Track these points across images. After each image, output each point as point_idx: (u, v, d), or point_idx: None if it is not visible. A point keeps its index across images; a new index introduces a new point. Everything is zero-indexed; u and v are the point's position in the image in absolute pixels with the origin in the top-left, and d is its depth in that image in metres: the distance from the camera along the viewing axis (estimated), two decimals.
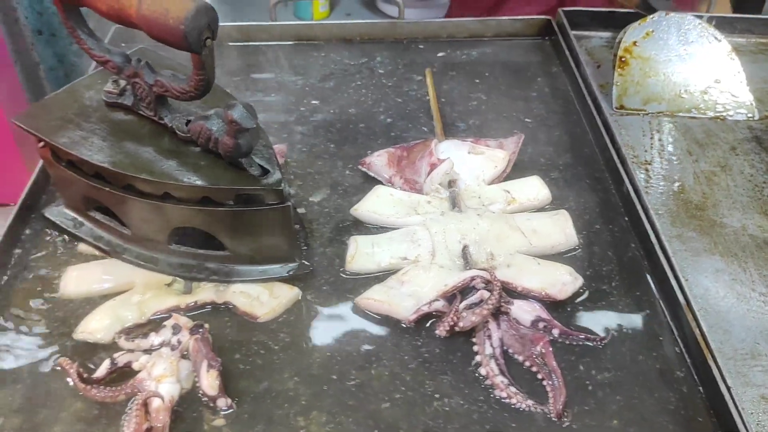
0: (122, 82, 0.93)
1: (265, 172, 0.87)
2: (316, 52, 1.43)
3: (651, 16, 1.31)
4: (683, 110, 1.28)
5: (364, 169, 1.13)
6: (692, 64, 1.29)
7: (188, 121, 0.88)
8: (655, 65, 1.29)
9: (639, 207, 1.01)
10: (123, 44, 1.37)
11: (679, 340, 0.88)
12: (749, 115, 1.27)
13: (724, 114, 1.27)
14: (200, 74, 0.80)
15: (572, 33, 1.39)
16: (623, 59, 1.29)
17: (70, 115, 0.92)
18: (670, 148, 1.20)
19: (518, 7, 1.76)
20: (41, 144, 0.92)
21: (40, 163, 1.10)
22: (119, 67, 0.88)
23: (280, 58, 1.40)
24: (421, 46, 1.46)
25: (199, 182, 0.84)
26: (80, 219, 1.00)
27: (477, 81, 1.36)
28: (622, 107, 1.29)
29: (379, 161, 1.14)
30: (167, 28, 0.74)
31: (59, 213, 1.02)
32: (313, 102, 1.30)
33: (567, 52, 1.35)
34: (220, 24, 0.78)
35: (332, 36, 1.45)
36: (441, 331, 0.87)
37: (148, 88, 0.87)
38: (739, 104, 1.28)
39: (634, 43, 1.30)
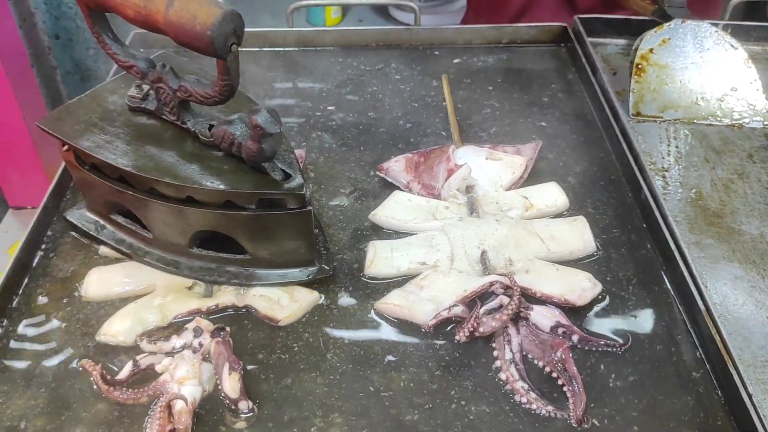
0: (145, 87, 0.94)
1: (287, 176, 0.87)
2: (333, 58, 1.44)
3: (667, 24, 1.31)
4: (699, 117, 1.28)
5: (381, 175, 1.14)
6: (708, 72, 1.29)
7: (211, 126, 0.89)
8: (672, 72, 1.29)
9: (657, 213, 1.01)
10: (140, 49, 1.38)
11: (698, 346, 0.88)
12: (765, 122, 1.27)
13: (740, 121, 1.27)
14: (225, 79, 0.80)
15: (588, 40, 1.40)
16: (640, 66, 1.29)
17: (94, 119, 0.93)
18: (687, 155, 1.20)
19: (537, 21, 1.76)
20: (65, 147, 0.93)
21: (62, 166, 1.11)
22: (144, 72, 0.89)
23: (297, 64, 1.41)
24: (437, 53, 1.47)
25: (222, 186, 0.85)
26: (102, 222, 1.01)
27: (493, 87, 1.36)
28: (638, 114, 1.29)
29: (396, 167, 1.14)
30: (194, 33, 0.75)
31: (81, 216, 1.03)
32: (330, 107, 1.31)
33: (583, 59, 1.36)
34: None
35: (349, 42, 1.46)
36: (461, 336, 0.87)
37: (172, 92, 0.88)
38: (756, 112, 1.28)
39: (651, 50, 1.30)
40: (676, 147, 1.22)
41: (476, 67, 1.43)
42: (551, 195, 1.07)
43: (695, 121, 1.28)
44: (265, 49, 1.43)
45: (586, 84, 1.34)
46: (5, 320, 0.92)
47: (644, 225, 1.05)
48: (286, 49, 1.44)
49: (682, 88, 1.29)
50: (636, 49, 1.31)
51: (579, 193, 1.11)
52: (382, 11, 2.86)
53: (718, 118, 1.28)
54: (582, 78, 1.36)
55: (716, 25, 1.38)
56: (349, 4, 2.93)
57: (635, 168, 1.09)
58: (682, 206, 1.10)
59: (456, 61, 1.44)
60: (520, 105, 1.31)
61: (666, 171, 1.17)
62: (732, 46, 1.30)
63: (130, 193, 0.90)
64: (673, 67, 1.29)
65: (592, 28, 1.45)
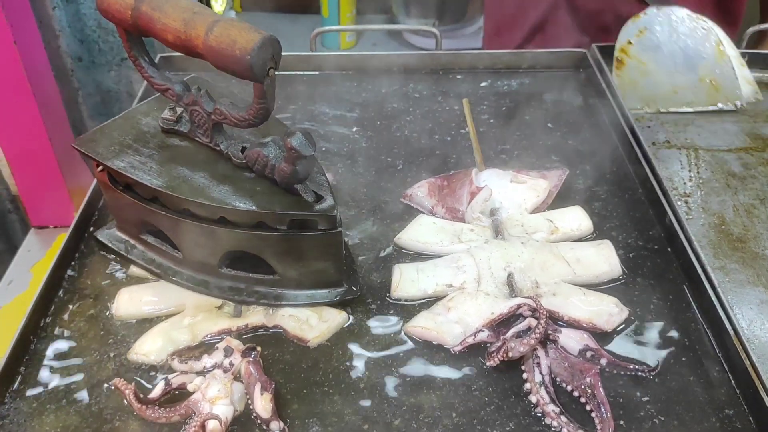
0: (179, 110, 0.95)
1: (318, 198, 0.88)
2: (356, 82, 1.46)
3: (643, 13, 1.30)
4: (676, 106, 1.28)
5: (406, 201, 1.15)
6: (683, 59, 1.28)
7: (244, 148, 0.91)
8: (649, 64, 1.29)
9: (683, 238, 1.02)
10: (167, 72, 1.41)
11: (727, 370, 0.88)
12: (740, 105, 1.28)
13: (716, 106, 1.28)
14: (261, 102, 0.82)
15: (607, 67, 1.41)
16: (619, 59, 1.29)
17: (128, 140, 0.95)
18: (708, 180, 1.21)
19: (552, 39, 1.79)
20: (100, 168, 0.95)
21: (92, 186, 1.12)
22: (179, 95, 0.90)
23: (319, 88, 1.43)
24: (459, 77, 1.49)
25: (254, 207, 0.86)
26: (132, 242, 1.02)
27: (514, 111, 1.38)
28: None
29: (420, 192, 1.15)
30: (234, 58, 0.76)
31: (111, 236, 1.04)
32: (353, 131, 1.32)
33: (603, 85, 1.37)
34: None
35: (371, 66, 1.48)
36: (491, 362, 0.88)
37: (207, 115, 0.90)
38: (730, 96, 1.28)
39: (629, 42, 1.29)
40: (698, 172, 1.23)
41: (497, 91, 1.45)
42: (576, 219, 1.08)
43: (671, 110, 1.27)
44: (287, 72, 1.46)
45: (606, 109, 1.35)
46: (37, 339, 0.93)
47: (669, 249, 1.05)
48: (308, 73, 1.47)
49: (659, 79, 1.28)
50: (617, 43, 1.31)
51: (602, 218, 1.12)
52: (396, 35, 2.89)
53: (694, 106, 1.28)
54: (602, 103, 1.38)
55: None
56: (365, 30, 2.97)
57: (659, 193, 1.10)
58: (706, 231, 1.11)
59: (477, 85, 1.46)
60: (542, 129, 1.33)
61: (688, 196, 1.18)
62: (703, 29, 1.29)
63: (163, 213, 0.92)
64: (649, 59, 1.28)
65: (609, 54, 1.47)
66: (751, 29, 1.50)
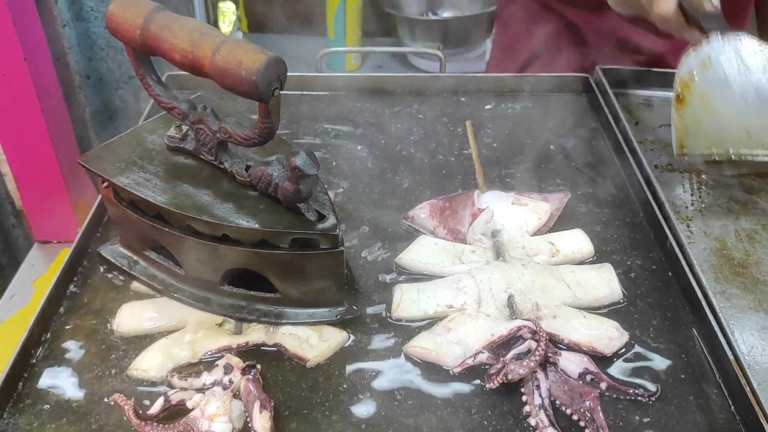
0: (184, 128, 0.96)
1: (321, 216, 0.89)
2: (360, 103, 1.47)
3: (706, 41, 1.12)
4: (751, 150, 1.14)
5: (408, 223, 1.16)
6: (756, 96, 1.13)
7: (248, 167, 0.92)
8: (715, 101, 1.13)
9: (684, 262, 1.02)
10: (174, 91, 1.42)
11: (727, 396, 0.88)
12: None
13: None
14: (266, 122, 0.83)
15: (611, 91, 1.42)
16: (681, 97, 1.13)
17: (134, 157, 0.96)
18: (710, 205, 1.21)
19: (552, 62, 1.81)
20: (105, 184, 0.96)
21: (96, 202, 1.13)
22: (185, 113, 0.92)
23: (325, 108, 1.44)
24: (463, 99, 1.50)
25: (257, 225, 0.87)
26: (135, 258, 1.03)
27: (517, 134, 1.39)
28: (683, 154, 1.18)
29: (422, 213, 1.16)
30: (239, 78, 0.78)
31: (114, 251, 1.05)
32: (356, 151, 1.33)
33: (605, 109, 1.38)
34: None
35: (375, 88, 1.49)
36: (491, 385, 0.88)
37: (212, 133, 0.91)
38: None
39: (692, 76, 1.13)
40: (700, 197, 1.23)
41: (500, 114, 1.46)
42: (577, 242, 1.08)
43: (743, 152, 1.13)
44: (292, 92, 1.47)
45: (608, 133, 1.36)
46: (38, 353, 0.93)
47: (670, 273, 1.05)
48: (314, 93, 1.48)
49: (729, 119, 1.13)
50: (676, 77, 1.15)
51: (603, 240, 1.12)
52: (401, 58, 2.92)
53: None
54: (605, 127, 1.38)
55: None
56: (370, 52, 3.00)
57: (660, 217, 1.11)
58: (707, 256, 1.11)
59: (480, 108, 1.47)
60: (545, 152, 1.33)
61: (690, 220, 1.18)
62: None
63: (167, 229, 0.92)
64: (716, 96, 1.13)
65: (613, 78, 1.48)
66: None
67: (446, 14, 2.89)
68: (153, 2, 0.85)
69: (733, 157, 1.14)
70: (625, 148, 1.27)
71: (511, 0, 1.80)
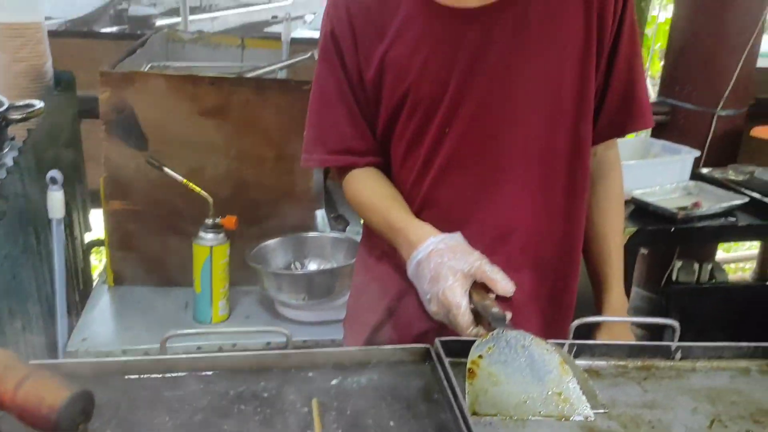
0: None
1: None
2: (202, 385, 1.44)
3: (491, 333, 1.50)
4: (528, 415, 1.41)
5: None
6: (532, 376, 1.45)
7: None
8: (499, 376, 1.44)
9: None
10: None
11: None
12: (585, 417, 1.41)
13: (565, 415, 1.42)
14: None
15: (448, 360, 1.49)
16: (471, 371, 1.45)
17: None
18: None
19: (404, 324, 1.90)
20: None
21: None
22: None
23: (161, 394, 1.40)
24: (311, 374, 1.51)
25: None
26: None
27: (364, 409, 1.40)
28: (475, 413, 1.41)
29: None
30: (39, 416, 0.76)
31: None
32: None
33: (444, 383, 1.44)
34: None
35: (222, 367, 1.49)
36: None
37: None
38: (575, 409, 1.42)
39: (480, 356, 1.47)
40: None
41: (349, 387, 1.48)
42: None
43: (525, 417, 1.40)
44: (130, 376, 1.42)
45: (449, 406, 1.40)
46: None
47: None
48: (152, 376, 1.44)
49: (510, 390, 1.43)
50: (469, 356, 1.47)
51: None
52: (269, 307, 2.96)
53: (544, 415, 1.41)
54: (446, 400, 1.43)
55: (561, 345, 1.53)
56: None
57: None
58: None
59: (328, 383, 1.49)
60: (385, 430, 1.34)
61: None
62: (547, 350, 1.48)
63: None
64: (500, 372, 1.45)
65: (453, 349, 1.55)
66: (577, 322, 1.67)
67: (312, 266, 3.02)
68: None
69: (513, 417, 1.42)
70: (462, 425, 1.31)
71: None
